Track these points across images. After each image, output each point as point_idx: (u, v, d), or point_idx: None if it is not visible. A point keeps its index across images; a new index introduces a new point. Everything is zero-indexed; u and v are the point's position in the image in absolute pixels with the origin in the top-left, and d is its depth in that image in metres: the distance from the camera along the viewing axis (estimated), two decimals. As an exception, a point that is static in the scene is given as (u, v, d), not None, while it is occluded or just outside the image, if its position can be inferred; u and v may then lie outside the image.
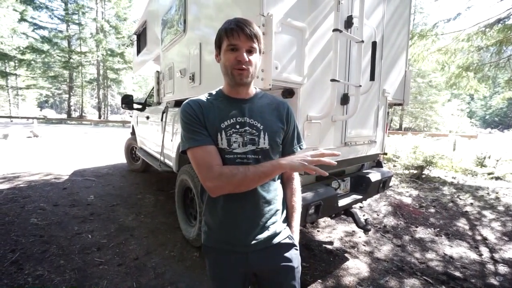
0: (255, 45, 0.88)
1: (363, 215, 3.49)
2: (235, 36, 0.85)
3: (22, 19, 22.48)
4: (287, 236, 1.01)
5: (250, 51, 0.88)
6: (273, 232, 0.97)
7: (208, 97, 0.96)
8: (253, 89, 0.99)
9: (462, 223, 3.33)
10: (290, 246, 1.00)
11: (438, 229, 3.13)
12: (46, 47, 23.24)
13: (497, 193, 4.50)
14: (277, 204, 1.00)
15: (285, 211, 1.05)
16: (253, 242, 0.93)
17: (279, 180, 1.03)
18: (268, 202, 0.96)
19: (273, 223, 0.97)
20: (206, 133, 0.88)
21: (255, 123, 0.92)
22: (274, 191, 0.98)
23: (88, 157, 6.73)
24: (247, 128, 0.91)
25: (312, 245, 2.63)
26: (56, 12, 24.04)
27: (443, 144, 8.34)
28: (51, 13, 23.80)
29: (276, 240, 0.97)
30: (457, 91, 7.21)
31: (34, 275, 1.99)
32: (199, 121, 0.89)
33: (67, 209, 3.25)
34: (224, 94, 0.96)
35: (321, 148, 1.89)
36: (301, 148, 1.04)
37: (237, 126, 0.91)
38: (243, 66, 0.86)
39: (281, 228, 1.00)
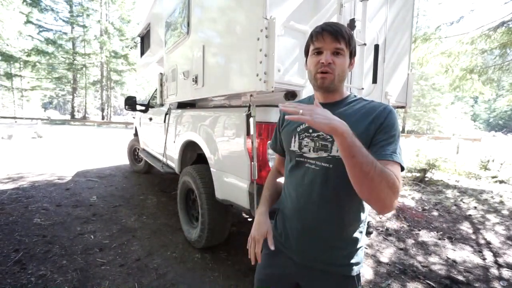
0: (342, 47, 0.81)
1: (366, 218, 3.47)
2: (319, 39, 0.81)
3: (28, 21, 22.74)
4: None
5: (337, 53, 0.81)
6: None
7: None
8: (343, 93, 0.91)
9: (466, 227, 3.30)
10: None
11: (441, 233, 3.10)
12: (50, 49, 23.46)
13: (501, 196, 4.46)
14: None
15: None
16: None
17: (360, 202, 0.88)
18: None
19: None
20: None
21: None
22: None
23: (91, 158, 6.77)
24: (320, 133, 0.83)
25: (314, 248, 2.62)
26: (61, 14, 24.29)
27: (447, 147, 8.29)
28: (56, 15, 24.05)
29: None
30: (462, 94, 7.18)
31: (37, 275, 2.00)
32: None
33: (70, 210, 3.27)
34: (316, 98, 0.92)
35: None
36: (392, 159, 0.74)
37: (310, 130, 0.86)
38: (326, 69, 0.80)
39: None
